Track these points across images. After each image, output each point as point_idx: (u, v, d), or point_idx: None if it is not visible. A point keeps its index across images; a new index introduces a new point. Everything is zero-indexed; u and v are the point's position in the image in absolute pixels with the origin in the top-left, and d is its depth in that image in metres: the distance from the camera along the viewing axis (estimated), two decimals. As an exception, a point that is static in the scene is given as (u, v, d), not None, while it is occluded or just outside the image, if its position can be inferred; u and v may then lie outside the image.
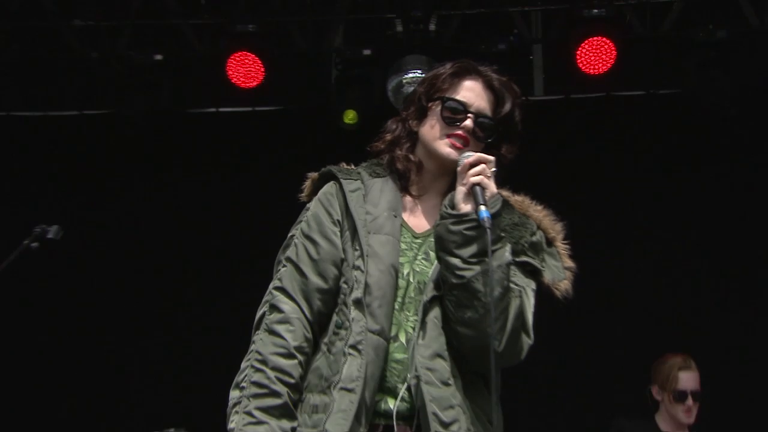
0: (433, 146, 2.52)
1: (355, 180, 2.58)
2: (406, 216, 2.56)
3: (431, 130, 2.54)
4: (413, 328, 2.39)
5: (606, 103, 7.96)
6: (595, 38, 7.19)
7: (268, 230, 7.01)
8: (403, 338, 2.40)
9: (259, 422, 2.26)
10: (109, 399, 8.21)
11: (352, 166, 2.71)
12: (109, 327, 8.35)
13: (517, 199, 2.65)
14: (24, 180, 8.75)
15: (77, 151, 8.65)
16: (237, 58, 7.53)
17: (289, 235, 2.60)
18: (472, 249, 2.26)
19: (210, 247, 8.42)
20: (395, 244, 2.45)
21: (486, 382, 2.42)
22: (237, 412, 2.31)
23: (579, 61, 7.27)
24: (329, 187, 2.60)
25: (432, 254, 2.48)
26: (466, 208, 2.27)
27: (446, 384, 2.31)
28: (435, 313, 2.37)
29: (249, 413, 2.29)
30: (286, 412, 2.32)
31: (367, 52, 7.82)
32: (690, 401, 4.82)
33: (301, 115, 8.57)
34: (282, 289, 2.46)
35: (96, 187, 8.55)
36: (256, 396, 2.30)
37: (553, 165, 7.99)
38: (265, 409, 2.28)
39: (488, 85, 2.54)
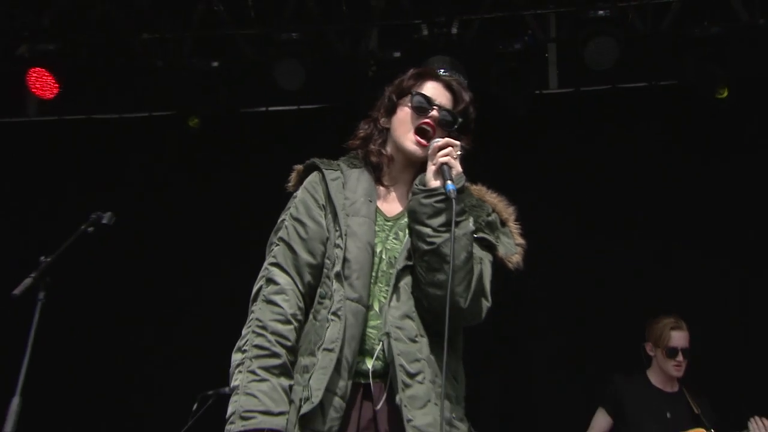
0: (401, 142, 2.75)
1: (336, 170, 2.77)
2: (379, 202, 2.73)
3: (401, 126, 2.77)
4: (385, 298, 2.57)
5: (612, 94, 8.00)
6: (601, 38, 7.23)
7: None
8: (377, 307, 2.58)
9: (262, 380, 2.39)
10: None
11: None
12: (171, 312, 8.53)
13: (475, 188, 2.88)
14: (103, 174, 8.88)
15: (147, 149, 8.89)
16: (282, 63, 7.69)
17: (280, 219, 2.77)
18: (441, 219, 2.47)
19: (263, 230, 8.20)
20: (371, 225, 2.63)
21: (451, 342, 2.53)
22: (240, 372, 2.44)
23: (585, 57, 7.32)
24: (313, 177, 2.79)
25: (401, 234, 2.72)
26: (435, 184, 2.51)
27: (413, 341, 2.50)
28: (406, 280, 2.57)
29: (252, 372, 2.41)
30: (284, 371, 2.46)
31: (397, 54, 7.92)
32: (680, 357, 4.84)
33: (341, 111, 8.38)
34: (277, 265, 2.62)
35: (164, 180, 8.77)
36: (258, 357, 2.44)
37: (566, 149, 8.12)
38: (266, 368, 2.42)
39: (447, 86, 2.81)
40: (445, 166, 2.52)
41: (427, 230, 2.48)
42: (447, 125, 2.72)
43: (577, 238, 7.87)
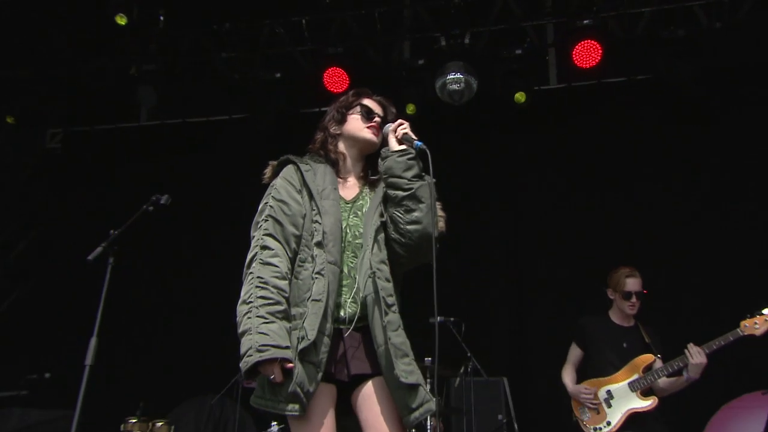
0: (359, 134, 3.03)
1: (306, 164, 2.96)
2: (339, 190, 2.93)
3: (354, 126, 3.04)
4: (352, 263, 2.80)
5: (599, 88, 8.14)
6: (586, 41, 7.37)
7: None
8: (346, 270, 2.78)
9: (271, 321, 2.52)
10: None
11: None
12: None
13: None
14: (194, 169, 9.11)
15: (226, 145, 9.13)
16: (330, 72, 7.91)
17: (262, 203, 2.91)
18: (414, 171, 2.76)
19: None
20: (338, 206, 2.84)
21: (395, 278, 2.91)
22: (249, 317, 2.54)
23: (575, 58, 7.44)
24: (288, 168, 2.96)
25: (360, 213, 2.95)
26: (402, 147, 2.81)
27: (388, 280, 2.74)
28: (381, 235, 2.82)
29: (261, 316, 2.53)
30: (286, 316, 2.60)
31: (421, 61, 8.05)
32: (634, 299, 4.85)
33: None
34: (270, 235, 2.74)
35: (239, 173, 8.25)
36: (264, 305, 2.55)
37: (563, 130, 8.26)
38: (272, 313, 2.55)
39: (377, 101, 3.14)
40: (407, 134, 2.83)
41: (403, 181, 2.75)
42: (383, 125, 3.01)
43: (569, 199, 7.93)
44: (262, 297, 2.54)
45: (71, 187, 9.45)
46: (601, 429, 4.59)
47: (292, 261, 2.73)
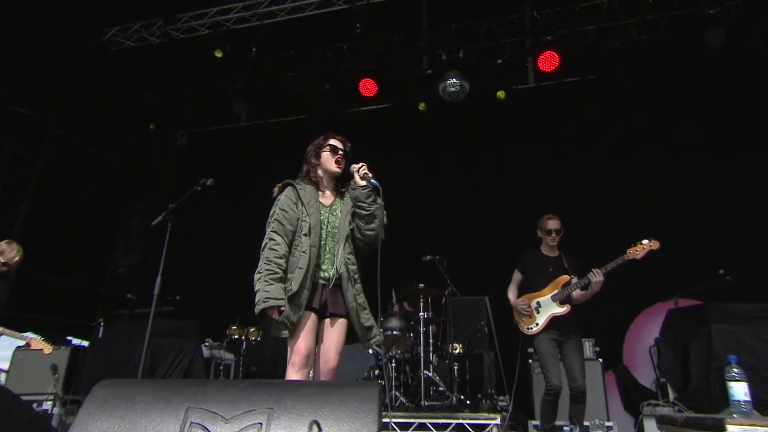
0: (328, 166, 3.29)
1: (299, 185, 3.23)
2: (320, 199, 3.24)
3: (325, 160, 3.30)
4: (331, 245, 3.16)
5: (557, 86, 8.23)
6: (547, 52, 7.44)
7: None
8: (328, 249, 3.16)
9: (271, 284, 2.93)
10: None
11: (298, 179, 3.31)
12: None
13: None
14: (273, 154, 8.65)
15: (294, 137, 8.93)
16: (364, 83, 8.09)
17: (272, 210, 3.20)
18: (371, 199, 3.13)
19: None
20: (319, 210, 3.17)
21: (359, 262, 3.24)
22: (259, 282, 2.96)
23: (540, 64, 7.52)
24: (289, 189, 3.23)
25: (335, 213, 3.24)
26: (363, 183, 3.14)
27: (354, 264, 3.14)
28: (348, 237, 3.17)
29: (266, 281, 2.94)
30: (281, 280, 2.98)
31: (429, 71, 8.34)
32: (554, 234, 4.76)
33: (396, 110, 8.91)
34: (275, 231, 3.09)
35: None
36: (268, 274, 2.96)
37: (535, 116, 8.25)
38: (273, 279, 2.95)
39: (339, 139, 3.38)
40: (366, 174, 3.16)
41: (365, 205, 3.13)
42: (345, 156, 3.31)
43: (539, 165, 7.95)
44: (267, 270, 2.97)
45: (196, 171, 9.34)
46: (531, 328, 4.59)
47: (289, 246, 3.10)
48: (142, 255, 9.43)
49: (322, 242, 3.16)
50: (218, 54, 8.15)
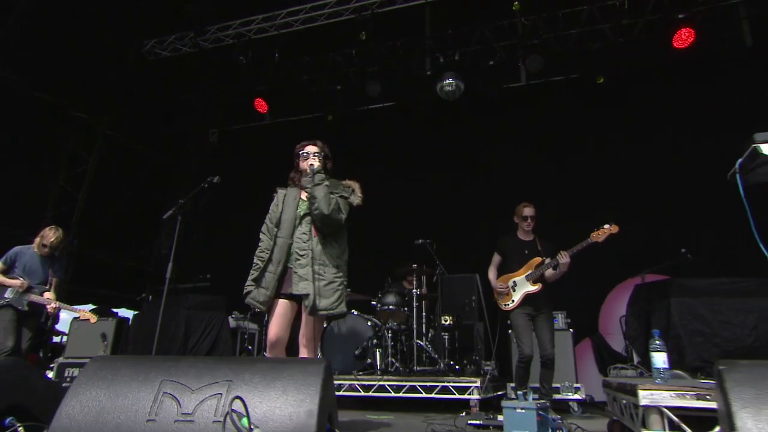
0: (302, 168, 3.33)
1: (285, 190, 3.39)
2: (301, 196, 3.29)
3: (300, 164, 3.35)
4: (304, 234, 3.18)
5: (543, 84, 8.03)
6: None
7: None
8: (296, 237, 3.19)
9: (253, 273, 3.15)
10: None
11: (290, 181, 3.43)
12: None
13: (347, 182, 3.43)
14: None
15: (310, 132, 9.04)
16: (370, 83, 7.97)
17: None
18: (309, 183, 3.17)
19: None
20: (294, 206, 3.25)
21: (333, 237, 3.23)
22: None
23: (526, 65, 7.46)
24: (277, 194, 3.40)
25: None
26: (306, 170, 3.23)
27: (304, 241, 3.15)
28: (308, 218, 3.21)
29: (251, 273, 3.18)
30: (262, 269, 3.14)
31: (429, 72, 8.23)
32: (529, 220, 4.73)
33: (407, 106, 8.72)
34: (262, 232, 3.30)
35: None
36: (252, 266, 3.18)
37: (524, 109, 8.07)
38: (254, 270, 3.16)
39: (311, 143, 3.42)
40: (311, 165, 3.22)
41: (308, 188, 3.18)
42: (319, 156, 3.32)
43: (526, 154, 7.85)
44: (253, 263, 3.18)
45: (226, 163, 9.44)
46: (508, 305, 4.60)
47: (273, 239, 3.21)
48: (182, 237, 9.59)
49: (293, 233, 3.23)
50: (242, 61, 8.22)
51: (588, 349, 6.59)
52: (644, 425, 2.20)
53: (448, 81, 7.74)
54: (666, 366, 2.55)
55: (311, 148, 3.40)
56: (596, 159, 7.36)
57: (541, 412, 2.94)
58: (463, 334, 5.98)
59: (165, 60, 8.92)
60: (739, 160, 2.49)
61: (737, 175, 2.53)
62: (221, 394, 1.65)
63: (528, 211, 4.82)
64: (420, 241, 5.77)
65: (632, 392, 2.28)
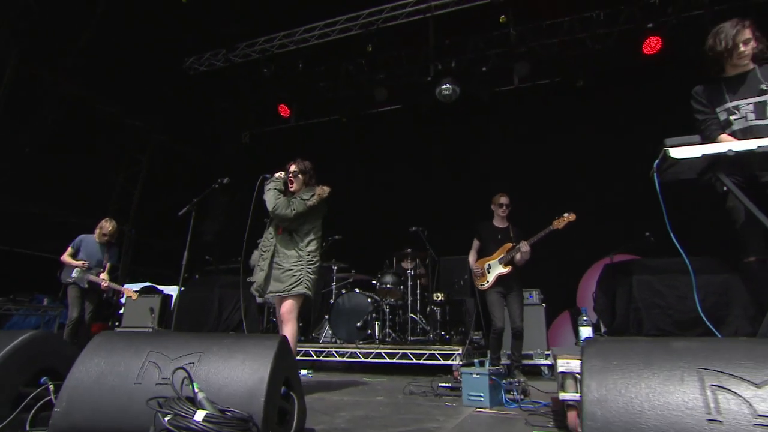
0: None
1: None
2: None
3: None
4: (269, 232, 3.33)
5: (531, 87, 7.92)
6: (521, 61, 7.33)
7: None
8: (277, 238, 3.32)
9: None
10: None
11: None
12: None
13: (321, 187, 3.43)
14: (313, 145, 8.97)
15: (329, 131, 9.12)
16: (378, 89, 8.11)
17: None
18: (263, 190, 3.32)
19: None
20: None
21: (296, 232, 3.28)
22: None
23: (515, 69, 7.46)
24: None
25: None
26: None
27: (282, 241, 3.27)
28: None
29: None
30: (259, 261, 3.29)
31: (428, 78, 7.94)
32: (504, 208, 4.69)
33: (412, 109, 8.65)
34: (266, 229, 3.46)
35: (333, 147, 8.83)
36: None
37: (515, 108, 7.97)
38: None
39: (294, 162, 3.51)
40: (272, 177, 3.38)
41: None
42: (294, 174, 3.43)
43: (517, 149, 7.67)
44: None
45: (256, 161, 9.40)
46: (484, 285, 4.59)
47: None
48: (220, 226, 9.85)
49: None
50: (266, 72, 8.33)
51: (567, 321, 6.53)
52: (562, 388, 2.29)
53: (446, 86, 7.72)
54: (591, 337, 2.61)
55: (292, 167, 3.49)
56: (577, 152, 7.21)
57: (493, 377, 3.03)
58: (453, 309, 6.06)
59: (202, 73, 9.09)
60: (656, 162, 2.52)
61: (654, 175, 2.56)
62: (194, 363, 1.82)
63: (504, 199, 4.79)
64: (413, 228, 5.84)
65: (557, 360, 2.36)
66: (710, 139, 2.67)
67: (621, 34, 7.00)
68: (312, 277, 3.27)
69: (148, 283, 9.30)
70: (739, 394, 1.17)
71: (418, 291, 5.81)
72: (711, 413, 1.16)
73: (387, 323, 5.46)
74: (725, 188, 2.53)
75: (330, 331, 5.54)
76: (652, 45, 6.46)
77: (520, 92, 8.14)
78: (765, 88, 2.58)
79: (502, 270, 4.57)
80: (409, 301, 5.57)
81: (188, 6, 7.37)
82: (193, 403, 1.34)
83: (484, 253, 4.79)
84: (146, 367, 1.81)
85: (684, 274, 4.60)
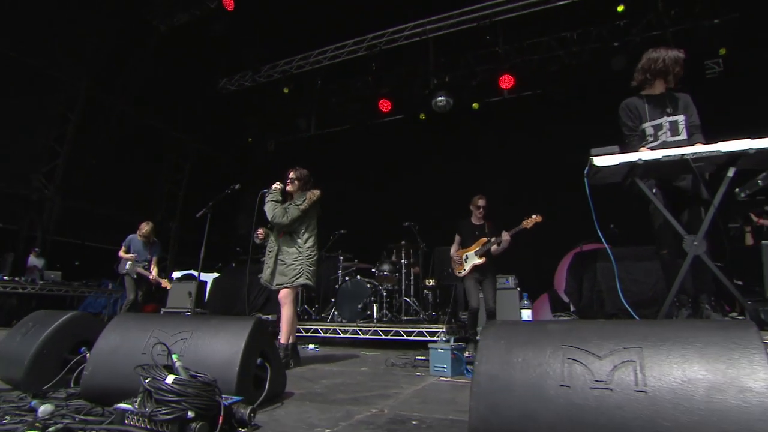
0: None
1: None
2: None
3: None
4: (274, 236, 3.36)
5: (516, 99, 7.95)
6: (505, 75, 7.43)
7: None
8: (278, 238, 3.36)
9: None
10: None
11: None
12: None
13: (312, 191, 3.43)
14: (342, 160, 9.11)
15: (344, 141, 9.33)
16: (382, 102, 8.31)
17: None
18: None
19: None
20: None
21: (295, 233, 3.29)
22: None
23: (500, 84, 7.50)
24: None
25: None
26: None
27: (284, 243, 3.32)
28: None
29: None
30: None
31: (426, 92, 7.99)
32: (481, 210, 4.69)
33: (416, 118, 8.73)
34: None
35: (343, 154, 8.94)
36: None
37: (503, 117, 8.00)
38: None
39: (293, 169, 3.51)
40: (270, 190, 3.40)
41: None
42: (292, 180, 3.45)
43: (502, 154, 7.60)
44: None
45: (281, 166, 9.90)
46: (461, 273, 4.59)
47: None
48: (254, 221, 10.11)
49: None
50: (286, 90, 8.54)
51: (546, 301, 6.64)
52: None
53: (440, 98, 7.78)
54: (529, 319, 2.70)
55: (291, 174, 3.54)
56: (558, 154, 7.06)
57: (455, 351, 3.14)
58: (443, 293, 6.14)
59: (233, 92, 9.38)
60: (585, 169, 2.60)
61: (585, 180, 2.64)
62: (185, 339, 1.99)
63: (481, 202, 4.79)
64: (407, 223, 5.92)
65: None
66: (632, 150, 2.72)
67: (592, 52, 7.03)
68: (311, 269, 3.32)
69: (189, 272, 9.74)
70: (585, 365, 1.27)
71: (411, 277, 5.90)
72: (564, 380, 1.25)
73: (384, 305, 5.56)
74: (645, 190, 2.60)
75: (336, 312, 5.66)
76: (618, 62, 6.45)
77: (507, 102, 8.13)
78: (670, 111, 2.63)
79: (477, 260, 4.61)
80: (403, 286, 5.67)
81: (220, 36, 7.61)
82: (171, 369, 1.51)
83: (464, 246, 4.84)
84: (150, 341, 1.99)
85: (638, 261, 4.77)
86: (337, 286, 5.79)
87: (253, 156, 10.29)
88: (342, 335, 5.29)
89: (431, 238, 6.25)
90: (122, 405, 1.45)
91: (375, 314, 5.53)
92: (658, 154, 2.27)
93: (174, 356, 1.59)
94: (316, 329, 5.43)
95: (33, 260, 6.92)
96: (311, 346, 5.02)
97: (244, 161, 10.25)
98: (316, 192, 3.45)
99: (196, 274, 8.45)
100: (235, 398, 1.64)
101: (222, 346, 1.90)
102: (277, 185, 3.42)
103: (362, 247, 6.59)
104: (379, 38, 8.02)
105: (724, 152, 2.18)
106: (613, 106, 6.97)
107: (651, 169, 2.37)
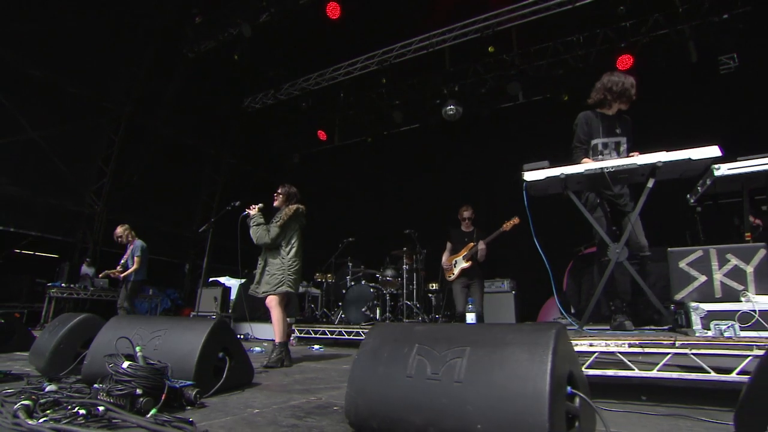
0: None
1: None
2: None
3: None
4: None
5: (522, 104, 7.97)
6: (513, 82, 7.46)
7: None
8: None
9: None
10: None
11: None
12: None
13: (288, 207, 3.63)
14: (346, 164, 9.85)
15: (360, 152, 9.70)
16: (395, 113, 8.48)
17: None
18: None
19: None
20: None
21: (278, 248, 3.48)
22: None
23: (507, 90, 7.56)
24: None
25: None
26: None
27: (270, 255, 3.55)
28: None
29: None
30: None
31: (437, 101, 8.30)
32: (467, 221, 4.85)
33: (427, 129, 8.90)
34: None
35: (357, 162, 9.43)
36: None
37: (513, 124, 7.99)
38: None
39: (281, 185, 3.73)
40: (250, 215, 3.62)
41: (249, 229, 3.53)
42: (278, 195, 3.67)
43: (510, 159, 6.96)
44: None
45: (305, 176, 10.00)
46: (451, 277, 4.80)
47: None
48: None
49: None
50: (303, 106, 9.04)
51: (552, 305, 6.45)
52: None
53: (450, 107, 7.93)
54: (473, 322, 2.91)
55: (279, 189, 3.81)
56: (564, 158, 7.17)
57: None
58: (445, 296, 6.31)
59: (257, 110, 9.95)
60: (524, 183, 2.80)
61: (524, 192, 2.85)
62: (161, 335, 2.42)
63: (466, 213, 4.97)
64: (407, 231, 6.16)
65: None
66: (575, 163, 2.88)
67: (598, 54, 6.94)
68: (292, 277, 3.53)
69: (216, 278, 10.38)
70: (426, 361, 1.54)
71: (414, 281, 6.14)
72: (410, 372, 1.50)
73: (387, 308, 5.80)
74: (583, 201, 2.78)
75: (343, 315, 5.97)
76: (624, 62, 6.38)
77: (517, 108, 8.14)
78: (619, 132, 2.76)
79: (464, 265, 4.83)
80: (405, 290, 5.91)
81: (242, 59, 8.24)
82: (132, 358, 1.92)
83: (454, 252, 5.04)
84: (134, 337, 2.45)
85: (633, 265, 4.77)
86: (343, 291, 6.11)
87: (281, 167, 10.79)
88: (347, 337, 5.55)
89: (437, 245, 6.40)
90: (96, 385, 1.87)
91: (378, 316, 5.76)
92: (581, 168, 2.45)
93: (137, 348, 2.01)
94: (324, 331, 5.76)
95: (85, 269, 7.75)
96: (316, 347, 5.29)
97: (273, 173, 10.76)
98: (292, 207, 3.66)
99: (221, 281, 9.23)
100: (187, 383, 2.01)
101: (186, 341, 2.29)
102: (255, 209, 3.66)
103: (370, 254, 6.84)
104: (389, 53, 8.26)
105: (639, 165, 2.34)
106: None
107: (577, 182, 2.54)
